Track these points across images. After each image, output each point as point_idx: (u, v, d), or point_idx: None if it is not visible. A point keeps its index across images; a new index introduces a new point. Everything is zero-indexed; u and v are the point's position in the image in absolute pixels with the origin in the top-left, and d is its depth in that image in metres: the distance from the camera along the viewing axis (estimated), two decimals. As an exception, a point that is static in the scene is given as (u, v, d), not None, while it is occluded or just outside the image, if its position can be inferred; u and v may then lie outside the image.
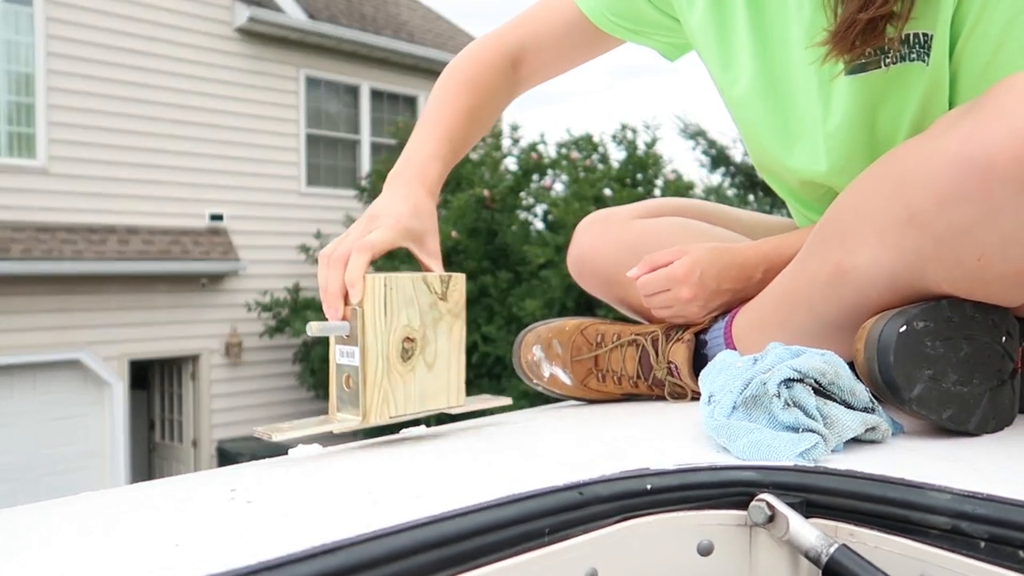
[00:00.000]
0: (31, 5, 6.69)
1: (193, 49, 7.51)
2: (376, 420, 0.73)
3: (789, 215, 1.17)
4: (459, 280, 0.81)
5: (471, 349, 6.72)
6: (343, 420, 0.73)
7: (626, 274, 0.97)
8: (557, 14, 1.05)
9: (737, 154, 8.86)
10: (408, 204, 0.84)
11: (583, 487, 0.44)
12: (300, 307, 7.49)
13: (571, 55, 1.07)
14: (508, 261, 6.90)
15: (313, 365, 7.48)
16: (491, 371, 6.72)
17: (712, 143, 9.02)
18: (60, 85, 6.79)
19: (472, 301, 6.78)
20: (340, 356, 0.74)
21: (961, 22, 0.76)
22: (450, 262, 6.87)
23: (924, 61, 0.78)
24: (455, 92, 1.00)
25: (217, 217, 7.64)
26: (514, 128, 7.67)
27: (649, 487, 0.46)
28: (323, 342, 7.31)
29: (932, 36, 0.77)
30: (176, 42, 7.41)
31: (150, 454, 8.58)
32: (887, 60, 0.79)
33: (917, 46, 0.78)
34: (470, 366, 6.79)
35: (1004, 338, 0.70)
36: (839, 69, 0.83)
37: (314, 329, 0.70)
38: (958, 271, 0.67)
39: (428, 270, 0.83)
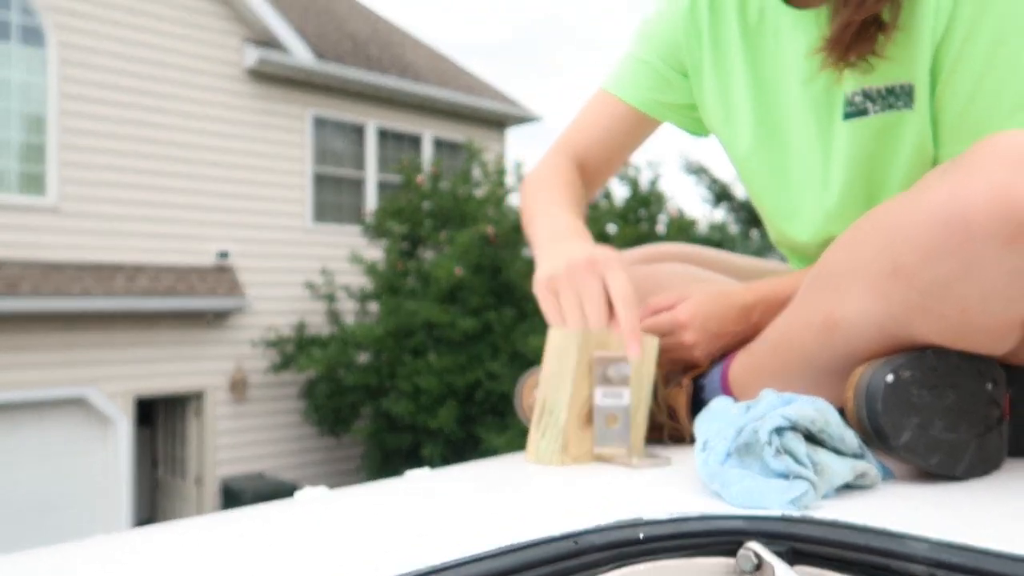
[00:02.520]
0: (44, 47, 6.83)
1: (203, 90, 7.64)
2: (636, 456, 0.83)
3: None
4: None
5: (474, 386, 6.72)
6: (618, 454, 0.84)
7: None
8: (603, 117, 1.10)
9: (739, 191, 8.93)
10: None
11: (578, 536, 0.46)
12: (305, 343, 7.51)
13: (620, 151, 1.13)
14: (512, 297, 6.93)
15: (317, 401, 7.47)
16: (495, 408, 6.71)
17: (714, 180, 9.10)
18: (72, 125, 6.91)
19: (475, 338, 6.79)
20: (603, 398, 0.84)
21: (937, 73, 0.82)
22: (454, 299, 6.90)
23: (911, 108, 0.83)
24: (557, 195, 1.05)
25: (224, 254, 7.70)
26: (518, 165, 7.75)
27: (642, 536, 0.48)
28: (327, 380, 7.32)
29: (914, 86, 0.82)
30: (187, 83, 7.54)
31: (153, 492, 8.54)
32: (875, 108, 0.85)
33: (904, 95, 0.83)
34: (474, 403, 6.78)
35: (990, 385, 0.72)
36: (838, 113, 0.88)
37: (611, 371, 0.83)
38: (943, 323, 0.70)
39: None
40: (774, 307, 0.94)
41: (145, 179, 7.30)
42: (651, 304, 0.99)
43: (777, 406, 0.68)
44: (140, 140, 7.27)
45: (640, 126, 1.10)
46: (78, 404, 6.99)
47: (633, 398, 0.86)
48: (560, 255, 0.85)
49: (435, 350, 6.84)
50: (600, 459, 0.83)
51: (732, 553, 0.49)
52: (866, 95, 0.85)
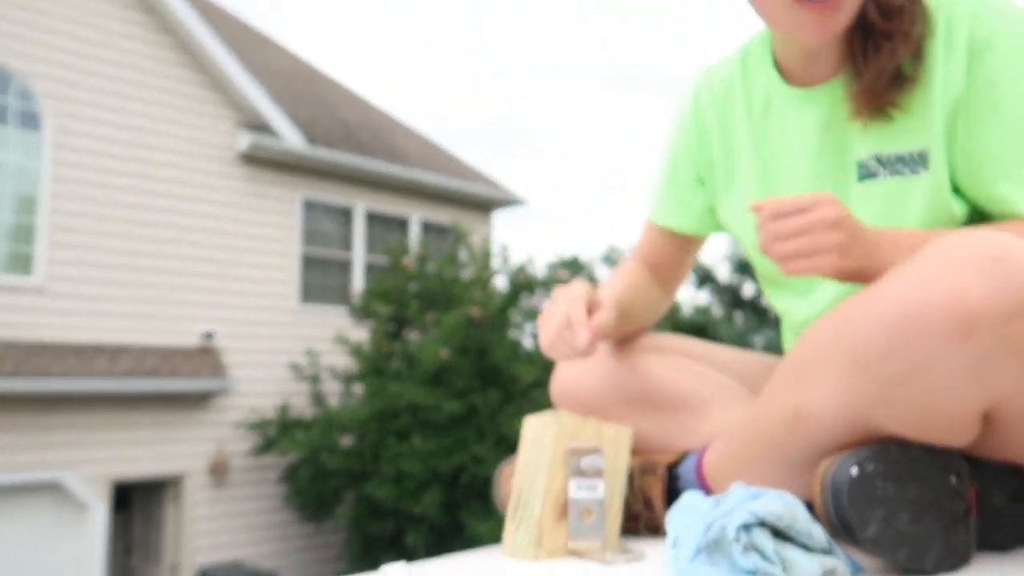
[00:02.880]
0: (40, 131, 6.96)
1: (195, 173, 7.76)
2: (610, 551, 0.83)
3: (776, 334, 1.24)
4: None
5: (459, 470, 6.62)
6: (593, 550, 0.84)
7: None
8: (650, 241, 1.20)
9: (722, 274, 9.05)
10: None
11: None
12: (288, 425, 7.41)
13: (680, 260, 1.21)
14: (498, 379, 6.90)
15: (299, 485, 7.32)
16: (480, 493, 6.59)
17: (697, 263, 9.23)
18: (64, 207, 6.97)
19: (461, 420, 6.73)
20: (577, 490, 0.85)
21: (952, 141, 0.87)
22: (440, 380, 6.87)
23: (919, 173, 0.88)
24: (612, 280, 1.18)
25: (209, 335, 7.67)
26: (504, 248, 7.85)
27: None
28: (309, 463, 7.20)
29: (928, 152, 0.88)
30: (179, 166, 7.67)
31: (126, 581, 8.23)
32: (885, 172, 0.90)
33: (912, 163, 0.89)
34: (458, 488, 6.67)
35: (953, 478, 0.74)
36: (852, 177, 0.93)
37: (584, 463, 0.84)
38: (904, 414, 0.72)
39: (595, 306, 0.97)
40: (903, 250, 0.81)
41: (134, 260, 7.32)
42: (776, 203, 0.80)
43: (745, 501, 0.69)
44: (131, 222, 7.33)
45: (685, 240, 1.18)
46: (53, 489, 6.81)
47: (607, 491, 0.87)
48: None
49: (420, 433, 6.76)
50: (574, 553, 0.83)
51: (697, 652, 0.50)
52: (879, 160, 0.91)
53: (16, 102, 6.88)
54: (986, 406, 0.71)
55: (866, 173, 0.91)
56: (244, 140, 7.90)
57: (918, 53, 0.86)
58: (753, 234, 1.05)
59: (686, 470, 0.98)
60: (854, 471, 0.69)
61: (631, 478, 1.00)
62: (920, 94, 0.87)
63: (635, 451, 1.07)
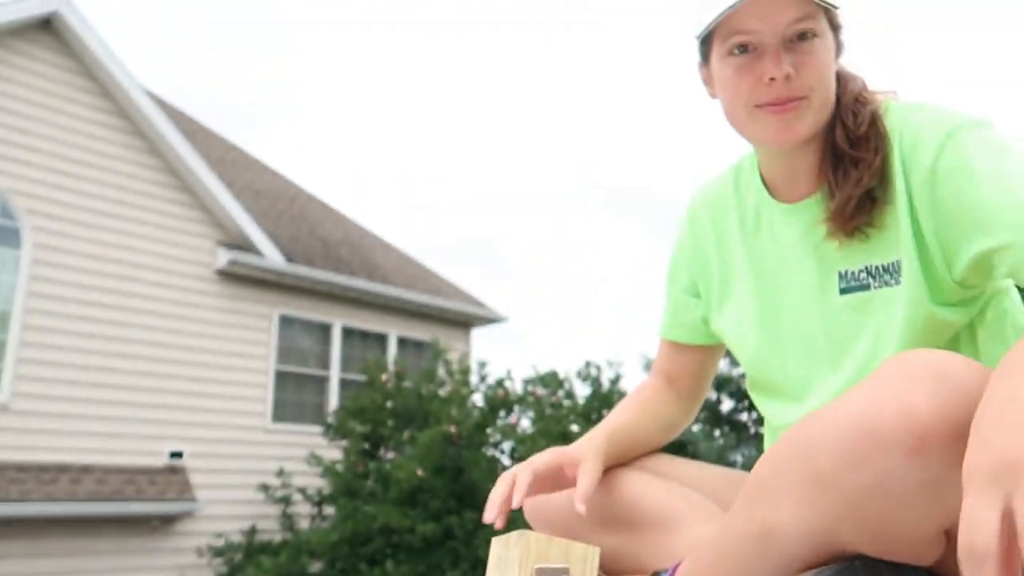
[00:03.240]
0: (19, 248, 6.97)
1: (173, 290, 7.76)
2: None
3: (758, 450, 1.24)
4: None
5: (434, 597, 6.32)
6: None
7: None
8: (665, 355, 1.24)
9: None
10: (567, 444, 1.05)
11: None
12: (255, 551, 7.09)
13: (697, 371, 1.24)
14: (475, 500, 6.72)
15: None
16: (455, 621, 6.28)
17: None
18: (36, 323, 6.90)
19: (436, 544, 6.49)
20: None
21: (923, 248, 0.90)
22: (415, 502, 6.67)
23: (897, 284, 0.91)
24: (621, 406, 1.23)
25: (177, 455, 7.44)
26: (482, 365, 7.82)
27: None
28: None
29: (900, 262, 0.91)
30: (158, 283, 7.66)
31: None
32: (875, 285, 0.93)
33: (890, 272, 0.92)
34: (433, 616, 6.34)
35: (923, 598, 0.72)
36: (834, 290, 0.96)
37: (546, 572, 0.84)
38: (866, 531, 0.71)
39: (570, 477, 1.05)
40: None
41: (105, 377, 7.19)
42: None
43: (711, 623, 0.67)
44: (104, 338, 7.25)
45: (694, 351, 1.21)
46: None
47: None
48: None
49: (393, 558, 6.49)
50: None
51: None
52: (860, 272, 0.94)
53: (-3, 220, 6.93)
54: (946, 524, 0.70)
55: (847, 286, 0.95)
56: (223, 257, 7.96)
57: (883, 176, 0.91)
58: (748, 344, 1.07)
59: (656, 592, 0.95)
60: (820, 590, 0.67)
61: (600, 601, 0.97)
62: (890, 211, 0.91)
63: (604, 570, 1.03)
